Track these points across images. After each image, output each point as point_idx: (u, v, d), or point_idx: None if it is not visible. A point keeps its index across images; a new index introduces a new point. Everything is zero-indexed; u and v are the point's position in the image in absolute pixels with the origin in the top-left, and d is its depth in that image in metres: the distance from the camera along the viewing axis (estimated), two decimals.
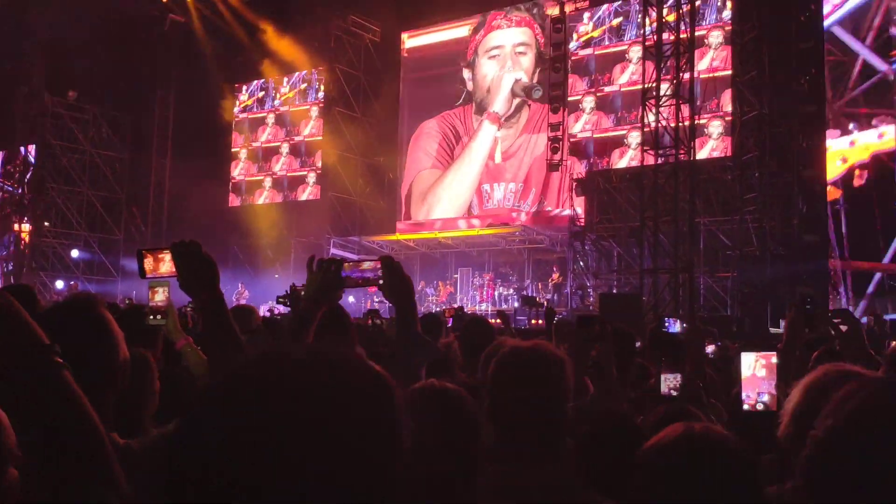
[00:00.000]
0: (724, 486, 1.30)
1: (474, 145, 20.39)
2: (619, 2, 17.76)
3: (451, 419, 1.68)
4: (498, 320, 7.18)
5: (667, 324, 6.94)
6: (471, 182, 20.35)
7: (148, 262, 2.01)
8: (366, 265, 2.24)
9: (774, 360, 2.48)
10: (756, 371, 2.49)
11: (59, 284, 20.54)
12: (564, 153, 17.62)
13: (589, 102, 17.92)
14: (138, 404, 2.13)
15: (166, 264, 1.98)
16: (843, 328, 3.18)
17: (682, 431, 1.36)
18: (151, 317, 2.60)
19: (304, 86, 22.42)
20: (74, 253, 22.29)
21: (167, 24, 21.72)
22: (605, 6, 17.99)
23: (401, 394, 0.81)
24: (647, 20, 14.06)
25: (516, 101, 19.63)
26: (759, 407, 2.43)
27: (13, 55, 21.42)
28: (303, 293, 2.45)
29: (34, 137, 22.31)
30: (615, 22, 17.68)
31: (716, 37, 15.89)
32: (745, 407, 2.43)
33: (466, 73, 20.69)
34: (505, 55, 19.98)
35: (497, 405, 1.87)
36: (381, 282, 2.19)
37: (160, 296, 2.59)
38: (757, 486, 1.35)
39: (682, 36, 13.41)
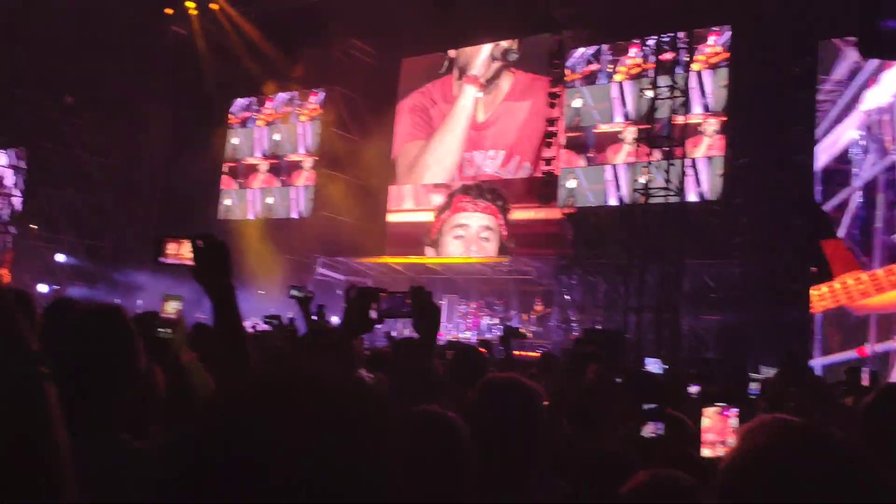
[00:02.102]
0: None
1: (455, 110, 20.90)
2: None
3: (446, 444, 1.74)
4: (482, 349, 7.23)
5: (647, 363, 7.02)
6: (456, 147, 20.92)
7: (171, 248, 2.04)
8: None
9: (734, 420, 2.60)
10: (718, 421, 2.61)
11: (44, 288, 20.40)
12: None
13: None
14: (144, 414, 2.18)
15: (183, 250, 2.02)
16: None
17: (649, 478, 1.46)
18: (161, 329, 2.59)
19: (296, 104, 22.50)
20: (60, 257, 22.18)
21: (169, 36, 21.81)
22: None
23: (396, 419, 0.84)
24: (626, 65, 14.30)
25: (495, 65, 20.14)
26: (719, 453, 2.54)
27: (10, 57, 21.42)
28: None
29: (27, 140, 22.30)
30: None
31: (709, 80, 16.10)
32: (706, 452, 2.55)
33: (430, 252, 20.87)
34: None
35: (473, 434, 1.93)
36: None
37: (172, 308, 2.59)
38: None
39: (676, 82, 13.66)
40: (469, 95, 20.79)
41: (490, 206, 20.46)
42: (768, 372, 11.71)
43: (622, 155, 16.80)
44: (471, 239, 20.42)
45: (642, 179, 13.85)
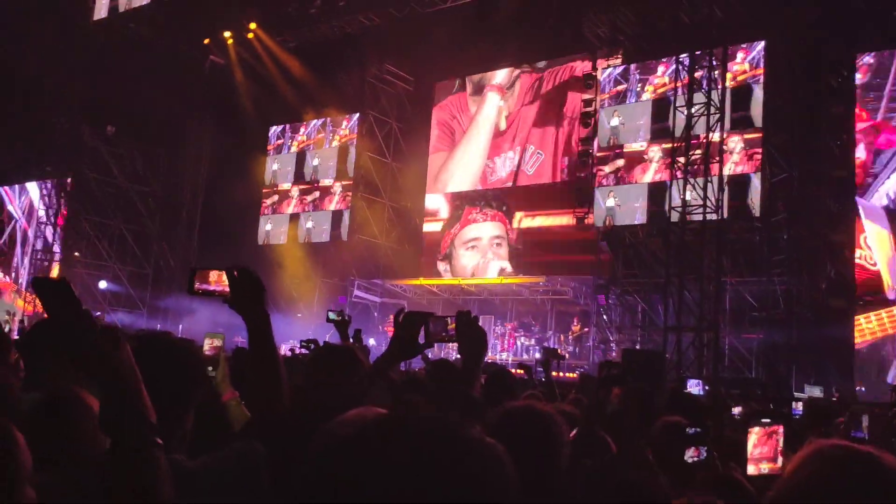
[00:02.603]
0: None
1: (479, 119, 21.18)
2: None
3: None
4: (520, 371, 7.18)
5: (689, 385, 6.91)
6: (480, 155, 21.21)
7: (202, 279, 2.12)
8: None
9: (780, 438, 2.61)
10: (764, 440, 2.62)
11: None
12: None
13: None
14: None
15: (217, 282, 2.10)
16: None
17: None
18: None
19: (332, 129, 22.71)
20: (102, 284, 22.60)
21: (207, 66, 22.25)
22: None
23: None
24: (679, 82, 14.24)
25: (516, 72, 20.55)
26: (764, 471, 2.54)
27: (54, 87, 22.01)
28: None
29: (71, 169, 22.84)
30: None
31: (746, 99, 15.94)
32: (751, 470, 2.55)
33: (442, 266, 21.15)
34: None
35: None
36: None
37: (213, 345, 2.63)
38: None
39: (711, 99, 13.58)
40: (492, 104, 21.01)
41: (498, 214, 20.69)
42: (812, 391, 11.52)
43: (650, 174, 16.75)
44: (485, 248, 20.69)
45: (679, 197, 13.73)
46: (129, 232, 23.50)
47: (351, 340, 5.93)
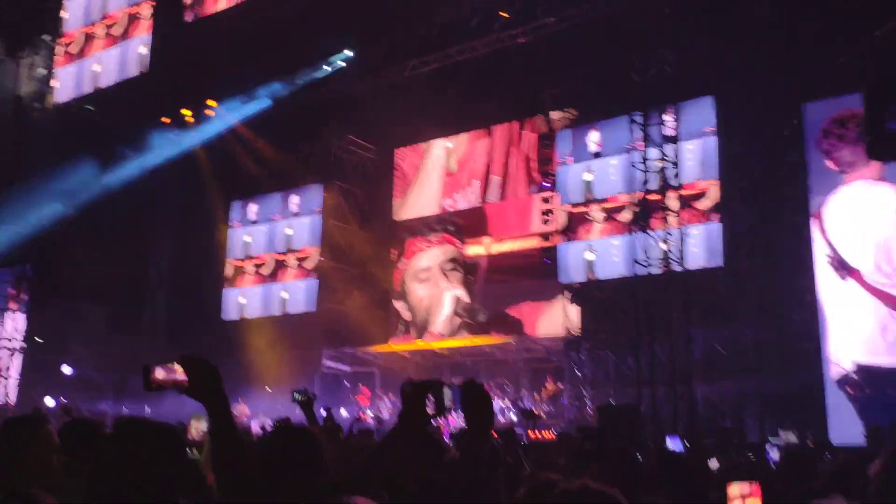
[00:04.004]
0: None
1: (428, 162, 21.07)
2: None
3: None
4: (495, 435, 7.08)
5: (668, 442, 6.88)
6: (434, 198, 20.85)
7: (158, 374, 2.17)
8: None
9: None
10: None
11: (50, 402, 20.22)
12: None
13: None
14: None
15: (172, 374, 2.17)
16: None
17: None
18: (187, 449, 2.63)
19: (298, 201, 22.72)
20: (66, 370, 22.07)
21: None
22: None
23: None
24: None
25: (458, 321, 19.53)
26: None
27: (14, 171, 21.81)
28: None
29: (33, 253, 22.51)
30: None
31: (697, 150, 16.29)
32: None
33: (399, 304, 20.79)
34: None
35: None
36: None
37: (199, 429, 2.65)
38: None
39: (666, 153, 13.89)
40: (439, 146, 20.95)
41: (444, 236, 20.05)
42: (787, 436, 11.57)
43: (595, 233, 17.05)
44: (437, 277, 19.88)
45: (642, 251, 13.91)
46: (94, 314, 23.08)
47: (321, 421, 5.84)
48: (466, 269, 19.74)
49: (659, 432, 9.62)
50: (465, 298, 19.53)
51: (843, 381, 13.33)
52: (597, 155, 17.50)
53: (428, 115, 19.49)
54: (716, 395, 14.95)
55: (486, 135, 20.34)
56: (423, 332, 20.09)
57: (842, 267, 13.71)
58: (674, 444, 7.00)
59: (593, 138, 17.61)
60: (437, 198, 20.96)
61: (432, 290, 20.00)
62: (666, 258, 13.57)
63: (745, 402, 14.61)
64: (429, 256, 20.24)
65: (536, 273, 18.36)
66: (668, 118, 14.13)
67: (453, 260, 19.84)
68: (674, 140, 14.14)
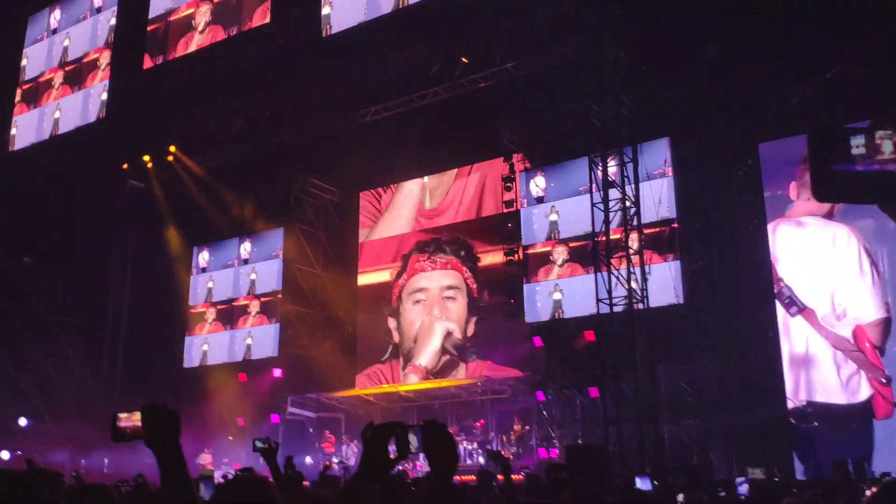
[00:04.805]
0: None
1: (401, 193, 20.81)
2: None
3: None
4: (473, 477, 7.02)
5: (637, 482, 6.88)
6: (404, 229, 20.65)
7: (123, 422, 2.16)
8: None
9: None
10: None
11: (5, 455, 19.61)
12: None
13: None
14: None
15: (135, 424, 2.15)
16: None
17: None
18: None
19: (259, 244, 22.55)
20: (22, 421, 21.45)
21: (127, 190, 22.05)
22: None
23: None
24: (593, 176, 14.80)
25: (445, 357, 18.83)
26: None
27: None
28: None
29: None
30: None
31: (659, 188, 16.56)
32: None
33: (392, 323, 20.12)
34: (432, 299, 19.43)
35: None
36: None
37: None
38: None
39: (627, 192, 14.13)
40: (415, 181, 20.75)
41: (451, 261, 19.32)
42: (754, 473, 11.63)
43: (553, 275, 17.23)
44: (433, 302, 19.12)
45: (606, 290, 14.04)
46: (50, 364, 22.56)
47: (283, 469, 5.76)
48: (470, 300, 18.93)
49: (631, 474, 9.60)
50: (457, 334, 18.86)
51: (797, 415, 13.61)
52: (546, 198, 17.81)
53: (391, 157, 19.63)
54: (682, 432, 15.04)
55: (461, 175, 20.33)
56: (407, 361, 19.45)
57: (792, 304, 14.01)
58: (643, 483, 7.02)
59: (543, 182, 17.92)
60: (408, 226, 20.73)
61: (424, 317, 19.23)
62: (629, 296, 13.70)
63: (711, 439, 14.71)
64: (429, 278, 19.51)
65: (502, 313, 18.39)
66: (626, 160, 14.38)
67: (454, 287, 19.10)
68: (633, 181, 14.38)
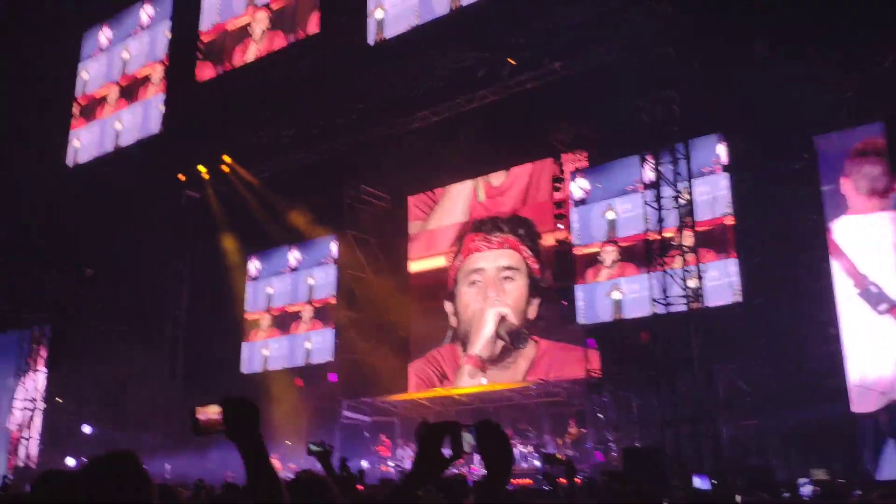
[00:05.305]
0: None
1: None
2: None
3: None
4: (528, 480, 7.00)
5: (695, 481, 6.76)
6: (460, 218, 20.46)
7: (201, 417, 2.10)
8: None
9: None
10: None
11: (71, 462, 20.19)
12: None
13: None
14: None
15: (214, 418, 2.08)
16: None
17: None
18: None
19: (313, 251, 22.81)
20: (86, 429, 22.07)
21: (183, 200, 22.55)
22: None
23: None
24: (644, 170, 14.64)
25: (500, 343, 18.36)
26: None
27: (32, 232, 22.18)
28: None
29: (49, 316, 22.70)
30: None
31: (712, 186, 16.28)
32: None
33: (448, 307, 19.82)
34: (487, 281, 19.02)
35: None
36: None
37: None
38: None
39: (680, 190, 13.93)
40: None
41: (508, 240, 18.73)
42: (816, 473, 11.35)
43: (603, 275, 16.94)
44: (488, 283, 18.55)
45: (661, 289, 13.85)
46: (111, 372, 23.15)
47: (338, 471, 5.79)
48: (531, 280, 18.36)
49: (684, 472, 9.45)
50: (512, 319, 18.34)
51: (872, 416, 13.12)
52: (589, 199, 17.56)
53: (439, 161, 19.70)
54: (740, 433, 14.75)
55: (510, 175, 20.28)
56: (466, 345, 19.19)
57: (881, 301, 13.42)
58: (701, 482, 6.89)
59: (587, 184, 17.71)
60: (465, 214, 20.60)
61: (479, 302, 18.85)
62: (685, 296, 13.49)
63: (770, 439, 14.39)
64: (485, 259, 19.08)
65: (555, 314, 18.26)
66: (678, 157, 14.17)
67: (512, 268, 18.55)
68: (686, 178, 14.16)
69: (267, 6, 18.37)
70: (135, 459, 2.12)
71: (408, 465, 18.05)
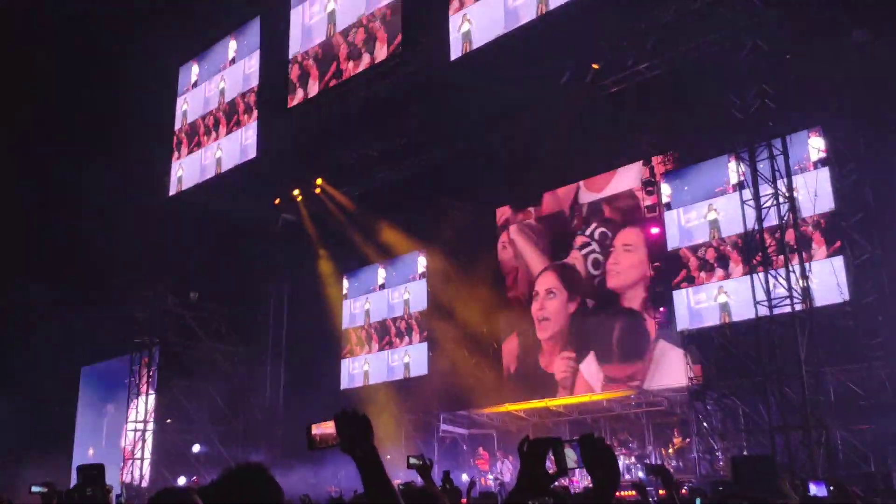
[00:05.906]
0: None
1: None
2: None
3: None
4: (633, 492, 6.86)
5: (811, 489, 6.45)
6: None
7: (316, 432, 2.19)
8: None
9: None
10: None
11: (182, 480, 20.92)
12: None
13: None
14: None
15: (328, 432, 2.16)
16: None
17: None
18: None
19: (403, 265, 23.08)
20: (196, 448, 22.84)
21: (280, 223, 23.24)
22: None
23: None
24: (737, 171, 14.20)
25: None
26: None
27: (138, 261, 23.20)
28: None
29: (158, 338, 23.68)
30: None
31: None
32: None
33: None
34: None
35: None
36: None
37: None
38: None
39: (780, 187, 13.44)
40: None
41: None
42: None
43: (699, 279, 16.52)
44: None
45: (764, 291, 13.36)
46: (217, 391, 23.96)
47: (440, 484, 5.80)
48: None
49: (803, 482, 9.03)
50: None
51: None
52: (673, 204, 17.20)
53: (525, 172, 19.63)
54: (855, 438, 14.05)
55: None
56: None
57: None
58: (818, 490, 6.59)
59: (668, 189, 17.32)
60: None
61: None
62: (789, 297, 12.97)
63: (888, 444, 13.65)
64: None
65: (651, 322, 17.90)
66: (775, 152, 13.67)
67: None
68: (784, 174, 13.65)
69: (349, 31, 18.79)
70: (265, 470, 2.23)
71: (507, 478, 17.96)
